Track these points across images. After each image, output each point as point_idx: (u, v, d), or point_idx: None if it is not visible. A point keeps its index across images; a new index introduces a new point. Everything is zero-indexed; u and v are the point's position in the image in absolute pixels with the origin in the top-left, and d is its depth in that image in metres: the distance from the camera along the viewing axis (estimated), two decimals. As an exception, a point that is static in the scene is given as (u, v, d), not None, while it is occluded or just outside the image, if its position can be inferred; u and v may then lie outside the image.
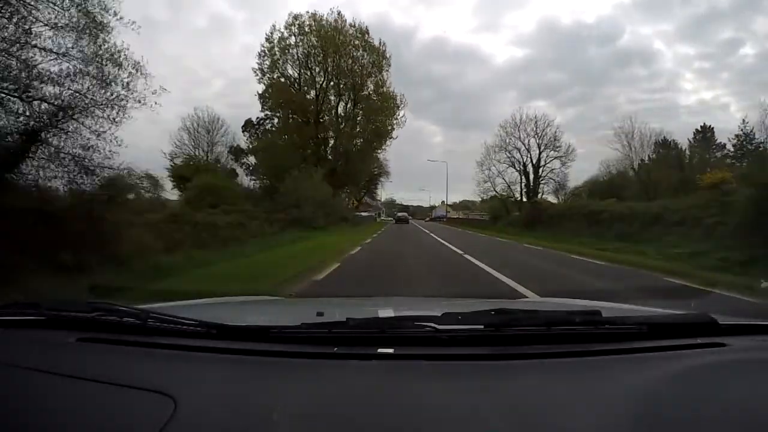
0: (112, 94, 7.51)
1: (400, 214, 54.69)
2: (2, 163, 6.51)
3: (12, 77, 6.51)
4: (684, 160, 28.44)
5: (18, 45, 6.49)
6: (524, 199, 33.70)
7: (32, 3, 6.57)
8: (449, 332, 0.94)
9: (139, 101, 7.76)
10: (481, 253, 11.13)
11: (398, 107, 32.10)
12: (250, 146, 31.64)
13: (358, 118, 31.79)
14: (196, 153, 28.30)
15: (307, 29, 28.92)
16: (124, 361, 0.90)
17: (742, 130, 28.50)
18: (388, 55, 30.79)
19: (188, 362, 0.90)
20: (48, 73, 6.89)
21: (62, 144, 7.05)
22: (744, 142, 27.81)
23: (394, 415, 0.71)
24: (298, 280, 6.45)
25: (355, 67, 29.76)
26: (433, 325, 0.93)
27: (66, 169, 7.07)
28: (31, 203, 6.35)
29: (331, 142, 31.60)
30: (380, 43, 30.55)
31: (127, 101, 7.63)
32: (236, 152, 31.19)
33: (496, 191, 36.12)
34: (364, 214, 54.05)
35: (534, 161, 34.32)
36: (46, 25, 6.78)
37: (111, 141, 7.44)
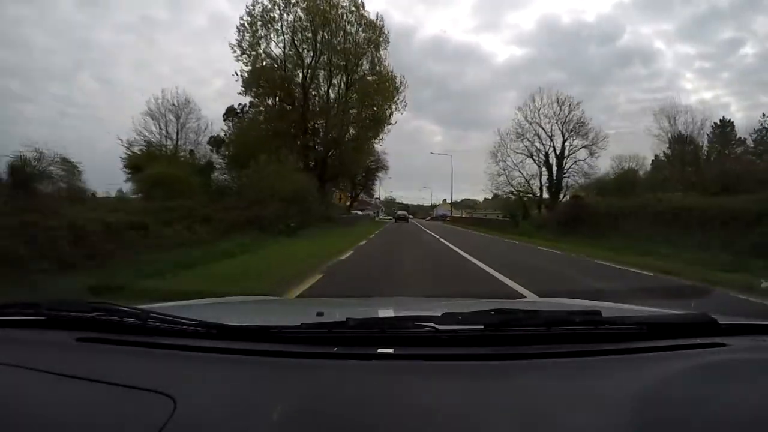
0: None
1: (399, 213, 54.42)
2: None
3: None
4: (701, 156, 25.87)
5: None
6: (545, 195, 29.43)
7: None
8: (449, 332, 0.94)
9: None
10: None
11: (398, 90, 27.68)
12: (228, 137, 27.19)
13: (352, 101, 27.14)
14: (164, 141, 22.89)
15: (293, 0, 24.62)
16: (124, 361, 0.90)
17: (762, 124, 26.90)
18: (386, 31, 26.52)
19: (188, 362, 0.90)
20: None
21: None
22: (766, 137, 26.28)
23: (395, 415, 0.71)
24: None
25: (348, 45, 25.47)
26: (433, 325, 0.93)
27: None
28: None
29: (321, 130, 27.27)
30: (377, 17, 26.13)
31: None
32: (217, 143, 26.89)
33: (513, 186, 30.80)
34: (359, 212, 50.22)
35: (558, 151, 28.90)
36: None
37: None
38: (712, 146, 27.47)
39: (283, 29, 24.91)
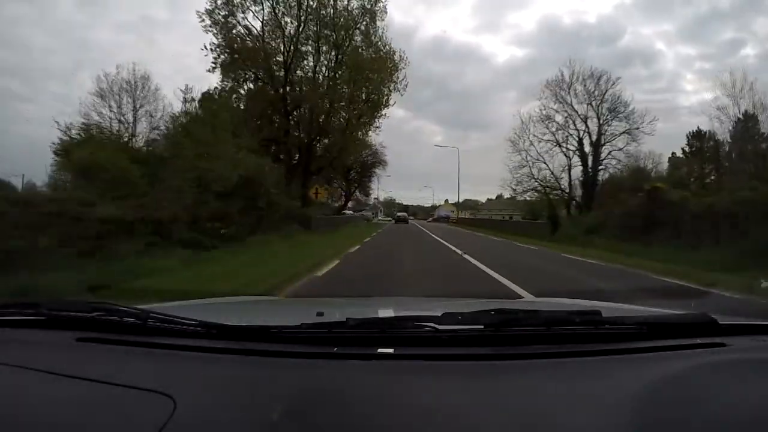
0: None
1: (399, 214, 54.25)
2: None
3: None
4: (722, 153, 23.13)
5: None
6: (574, 190, 24.61)
7: None
8: (449, 332, 0.94)
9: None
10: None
11: (397, 67, 23.31)
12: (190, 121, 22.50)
13: (343, 79, 22.39)
14: (114, 125, 17.07)
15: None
16: (124, 361, 0.90)
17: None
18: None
19: (188, 362, 0.90)
20: None
21: None
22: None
23: (395, 415, 0.71)
24: None
25: (339, 17, 21.32)
26: (433, 325, 0.93)
27: None
28: None
29: (307, 114, 22.56)
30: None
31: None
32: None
33: (538, 180, 25.16)
34: (352, 212, 46.13)
35: (594, 137, 23.48)
36: None
37: None
38: (734, 142, 24.05)
39: (263, -4, 20.17)
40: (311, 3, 20.86)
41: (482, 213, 53.47)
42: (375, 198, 61.04)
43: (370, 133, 26.54)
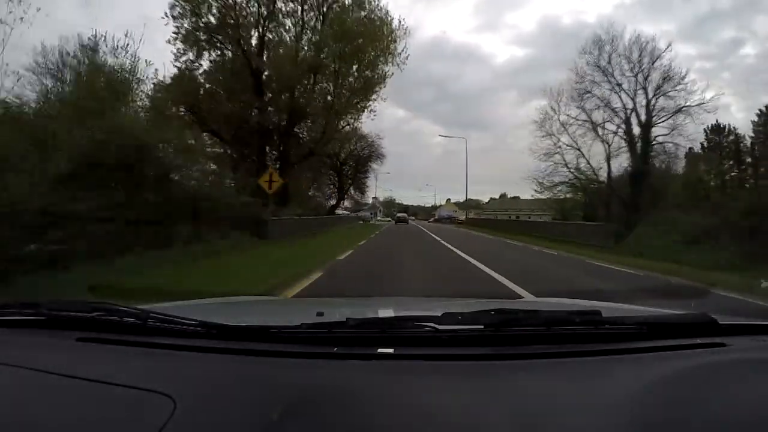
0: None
1: (399, 214, 54.16)
2: None
3: None
4: (743, 149, 20.60)
5: None
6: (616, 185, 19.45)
7: None
8: (449, 332, 0.94)
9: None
10: None
11: (396, 37, 19.11)
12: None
13: (328, 47, 17.88)
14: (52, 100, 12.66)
15: None
16: (124, 361, 0.90)
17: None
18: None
19: (188, 362, 0.90)
20: None
21: None
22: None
23: (395, 415, 0.71)
24: None
25: None
26: (433, 325, 0.93)
27: None
28: None
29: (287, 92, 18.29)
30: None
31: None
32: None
33: (573, 171, 20.37)
34: (346, 213, 42.31)
35: (642, 117, 18.56)
36: None
37: None
38: (757, 136, 21.59)
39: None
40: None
41: (487, 213, 51.84)
42: (374, 197, 59.38)
43: (363, 117, 21.86)
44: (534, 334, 0.95)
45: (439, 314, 0.97)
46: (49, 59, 11.86)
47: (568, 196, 22.56)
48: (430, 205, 79.97)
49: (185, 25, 17.43)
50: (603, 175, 20.51)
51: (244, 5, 17.30)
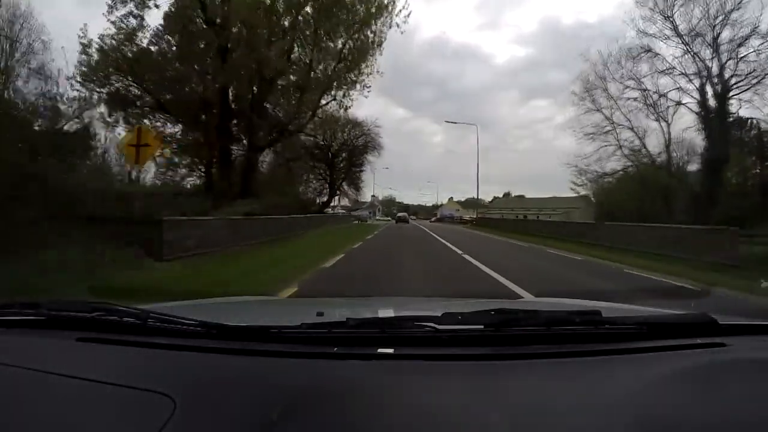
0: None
1: (400, 214, 54.13)
2: None
3: None
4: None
5: None
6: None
7: None
8: (449, 332, 0.94)
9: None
10: None
11: None
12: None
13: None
14: None
15: None
16: (124, 361, 0.91)
17: None
18: None
19: (188, 362, 0.90)
20: None
21: None
22: None
23: (395, 415, 0.71)
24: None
25: None
26: (433, 325, 0.93)
27: None
28: None
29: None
30: None
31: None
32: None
33: (627, 153, 15.90)
34: (341, 211, 38.17)
35: (719, 86, 14.08)
36: None
37: None
38: None
39: None
40: None
41: (493, 212, 48.87)
42: (373, 195, 56.85)
43: (355, 95, 17.40)
44: (534, 334, 0.95)
45: (439, 314, 0.97)
46: None
47: (604, 185, 16.51)
48: (430, 205, 79.54)
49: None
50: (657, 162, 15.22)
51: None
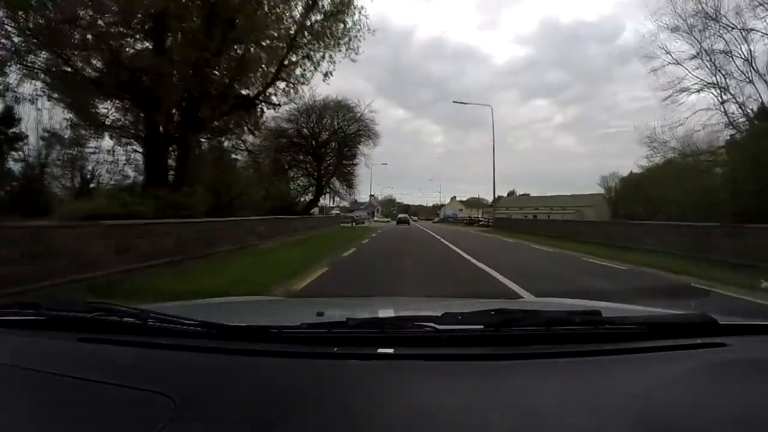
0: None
1: (401, 215, 53.88)
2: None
3: None
4: None
5: None
6: None
7: None
8: (449, 332, 0.94)
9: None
10: None
11: None
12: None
13: None
14: None
15: None
16: (124, 361, 0.91)
17: None
18: None
19: (188, 362, 0.90)
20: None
21: None
22: None
23: (395, 415, 0.71)
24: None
25: None
26: (433, 325, 0.94)
27: None
28: None
29: None
30: None
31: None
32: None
33: (733, 121, 12.49)
34: (325, 213, 32.88)
35: None
36: None
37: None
38: None
39: None
40: None
41: (500, 212, 44.23)
42: (371, 195, 54.26)
43: (338, 58, 13.15)
44: (534, 334, 0.95)
45: (439, 314, 0.97)
46: None
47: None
48: (431, 205, 79.06)
49: None
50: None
51: None
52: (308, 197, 27.08)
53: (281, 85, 13.60)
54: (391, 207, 76.60)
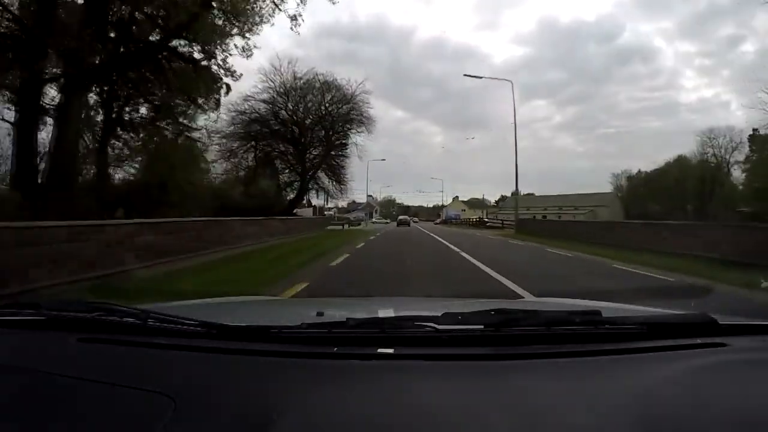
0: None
1: (401, 217, 53.30)
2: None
3: None
4: None
5: None
6: None
7: None
8: (449, 332, 0.94)
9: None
10: None
11: None
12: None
13: None
14: None
15: None
16: (124, 361, 0.91)
17: None
18: None
19: (188, 362, 0.90)
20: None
21: None
22: None
23: (395, 415, 0.71)
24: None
25: None
26: (433, 325, 0.94)
27: None
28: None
29: None
30: None
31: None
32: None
33: None
34: (318, 214, 30.65)
35: None
36: None
37: None
38: None
39: None
40: None
41: (505, 211, 43.00)
42: (369, 195, 51.42)
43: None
44: (534, 334, 0.95)
45: (440, 314, 0.97)
46: None
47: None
48: (431, 206, 78.22)
49: None
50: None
51: None
52: (289, 196, 22.92)
53: (239, 42, 10.38)
54: (390, 208, 76.27)
